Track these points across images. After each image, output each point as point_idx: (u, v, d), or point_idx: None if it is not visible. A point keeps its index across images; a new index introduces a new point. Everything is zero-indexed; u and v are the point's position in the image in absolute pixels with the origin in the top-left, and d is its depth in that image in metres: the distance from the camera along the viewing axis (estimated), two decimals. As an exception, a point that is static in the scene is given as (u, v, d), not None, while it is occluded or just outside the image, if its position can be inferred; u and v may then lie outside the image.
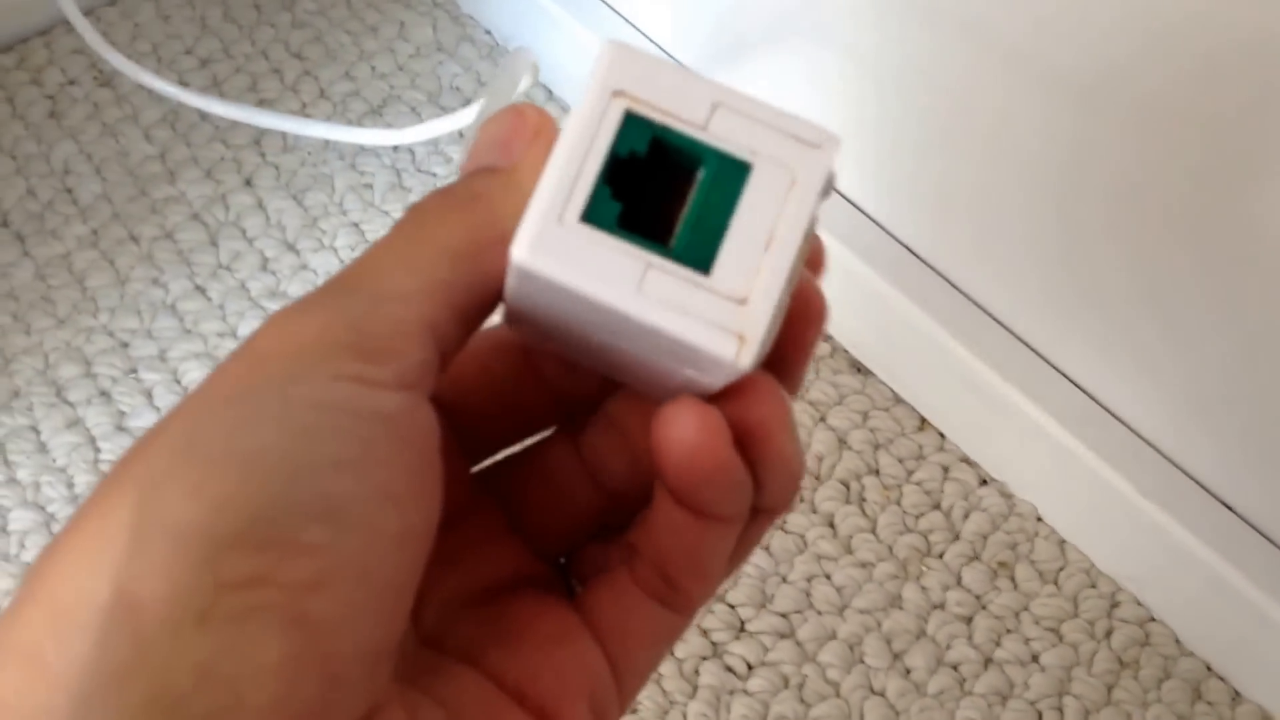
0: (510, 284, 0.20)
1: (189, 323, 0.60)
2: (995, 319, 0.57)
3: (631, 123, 0.18)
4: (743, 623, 0.54)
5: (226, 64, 0.70)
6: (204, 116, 0.67)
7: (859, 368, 0.61)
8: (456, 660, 0.21)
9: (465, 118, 0.64)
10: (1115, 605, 0.56)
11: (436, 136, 0.66)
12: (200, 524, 0.16)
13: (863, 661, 0.54)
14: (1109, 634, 0.55)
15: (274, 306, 0.61)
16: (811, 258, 0.21)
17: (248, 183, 0.66)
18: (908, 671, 0.53)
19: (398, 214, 0.53)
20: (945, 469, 0.59)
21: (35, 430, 0.57)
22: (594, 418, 0.24)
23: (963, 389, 0.57)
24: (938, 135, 0.54)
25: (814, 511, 0.57)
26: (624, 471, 0.23)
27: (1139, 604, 0.56)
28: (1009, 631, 0.55)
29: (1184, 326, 0.50)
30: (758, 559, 0.55)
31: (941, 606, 0.55)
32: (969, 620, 0.55)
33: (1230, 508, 0.53)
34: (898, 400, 0.60)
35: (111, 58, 0.63)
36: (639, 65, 0.19)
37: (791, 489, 0.21)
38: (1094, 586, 0.56)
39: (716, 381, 0.19)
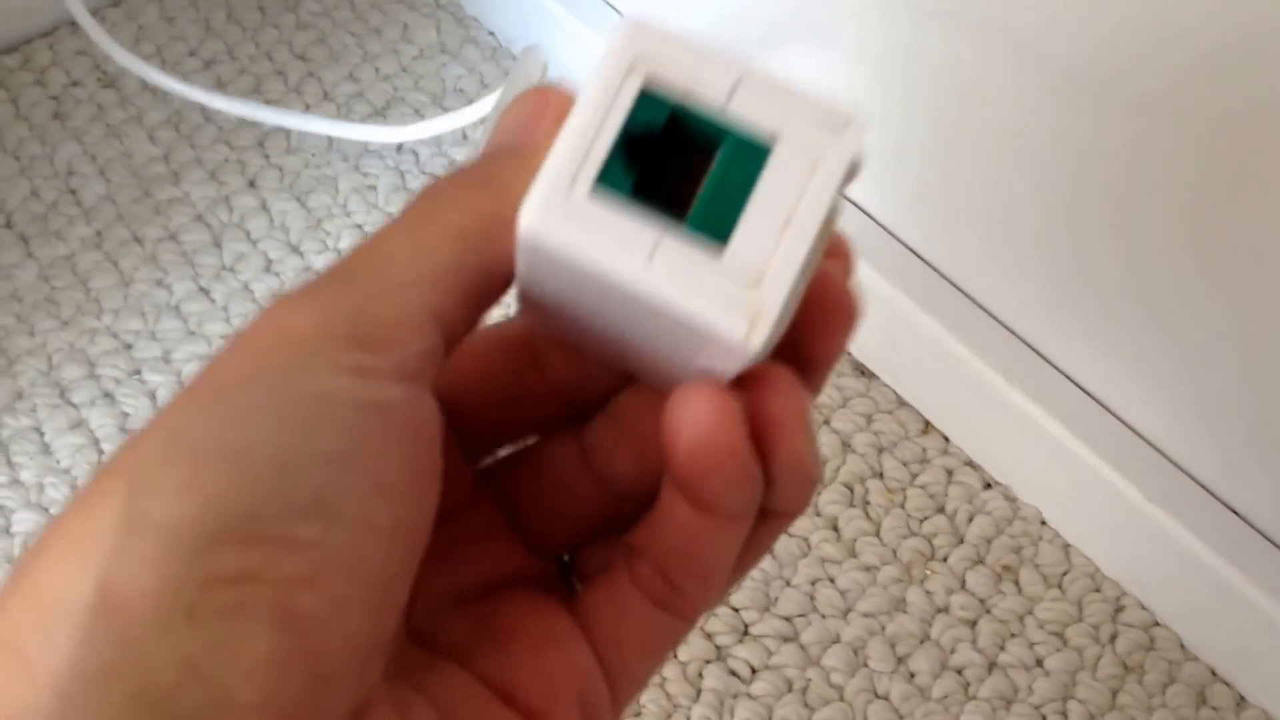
0: (520, 263, 0.19)
1: (193, 324, 0.60)
2: (1000, 322, 0.57)
3: (648, 97, 0.18)
4: (746, 626, 0.54)
5: (230, 65, 0.70)
6: (208, 118, 0.67)
7: (863, 371, 0.61)
8: (447, 658, 0.21)
9: (469, 117, 0.64)
10: (1120, 610, 0.55)
11: (440, 135, 0.66)
12: (189, 520, 0.16)
13: (867, 665, 0.53)
14: (1114, 638, 0.55)
15: (277, 308, 0.61)
16: (835, 250, 0.21)
17: (252, 184, 0.65)
18: (912, 675, 0.53)
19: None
20: (949, 472, 0.58)
21: (39, 432, 0.57)
22: (601, 414, 0.23)
23: (967, 392, 0.57)
24: (941, 138, 0.54)
25: (818, 515, 0.57)
26: (630, 471, 0.22)
27: (1144, 608, 0.55)
28: (1013, 636, 0.55)
29: (1190, 330, 0.49)
30: (762, 562, 0.55)
31: (946, 610, 0.55)
32: (973, 624, 0.55)
33: (1236, 512, 0.53)
34: (902, 403, 0.60)
35: (117, 56, 0.63)
36: (659, 40, 0.18)
37: (804, 490, 0.20)
38: (1099, 591, 0.56)
39: (729, 370, 0.18)
